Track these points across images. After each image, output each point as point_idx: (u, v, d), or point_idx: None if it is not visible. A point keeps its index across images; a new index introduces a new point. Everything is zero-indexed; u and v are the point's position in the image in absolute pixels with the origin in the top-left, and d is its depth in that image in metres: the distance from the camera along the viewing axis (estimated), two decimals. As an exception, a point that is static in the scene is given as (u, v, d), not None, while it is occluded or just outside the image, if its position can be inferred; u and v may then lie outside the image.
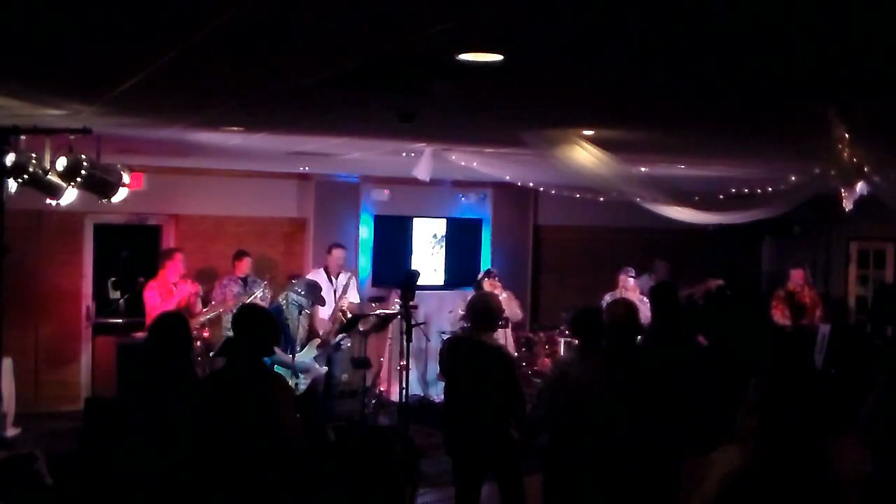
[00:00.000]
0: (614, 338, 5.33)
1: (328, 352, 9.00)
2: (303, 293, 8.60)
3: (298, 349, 8.62)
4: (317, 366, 8.72)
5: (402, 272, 9.60)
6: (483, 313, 5.77)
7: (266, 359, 8.09)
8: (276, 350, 8.07)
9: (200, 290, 9.25)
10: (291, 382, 7.77)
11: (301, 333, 8.76)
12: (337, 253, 9.57)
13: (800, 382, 3.34)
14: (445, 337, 9.58)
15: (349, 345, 9.64)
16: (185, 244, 10.12)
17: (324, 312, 9.26)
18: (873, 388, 4.90)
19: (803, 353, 10.34)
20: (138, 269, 9.78)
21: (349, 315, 9.36)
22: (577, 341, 5.87)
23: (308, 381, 8.58)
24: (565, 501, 5.28)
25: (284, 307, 8.66)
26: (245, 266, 9.64)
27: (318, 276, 9.42)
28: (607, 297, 9.87)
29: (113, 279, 9.96)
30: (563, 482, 5.27)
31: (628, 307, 5.45)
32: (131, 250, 10.47)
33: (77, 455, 6.34)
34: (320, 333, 9.06)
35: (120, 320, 9.71)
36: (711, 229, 10.89)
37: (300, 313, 8.60)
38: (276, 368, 8.03)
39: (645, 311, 9.87)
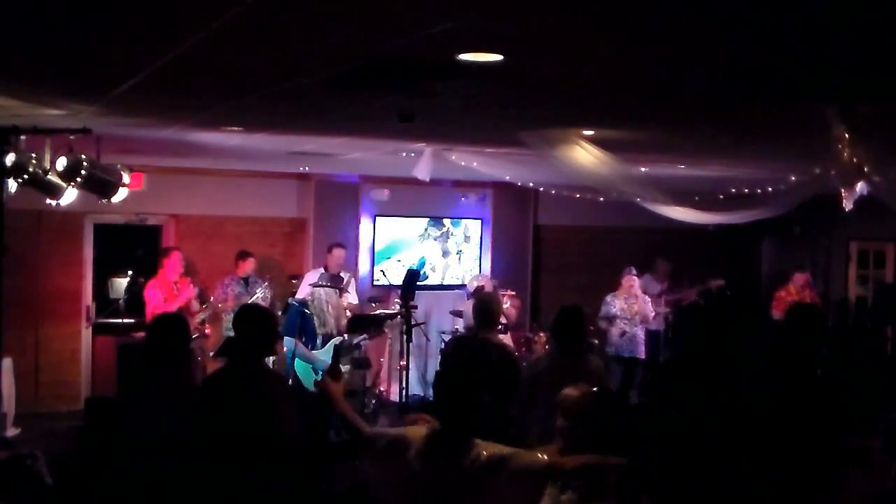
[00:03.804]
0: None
1: (345, 352, 9.01)
2: (328, 284, 8.79)
3: (319, 346, 8.68)
4: None
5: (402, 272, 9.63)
6: (486, 312, 5.82)
7: (288, 353, 8.16)
8: (299, 344, 8.13)
9: (198, 291, 9.31)
10: (311, 379, 7.84)
11: (322, 331, 8.83)
12: (338, 252, 9.57)
13: None
14: (446, 337, 9.61)
15: (367, 343, 9.67)
16: (185, 244, 10.13)
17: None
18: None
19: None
20: (138, 268, 9.79)
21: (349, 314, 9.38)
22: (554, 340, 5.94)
23: None
24: None
25: (310, 301, 8.73)
26: (248, 266, 9.66)
27: (318, 275, 9.43)
28: (608, 298, 9.96)
29: (127, 279, 9.93)
30: None
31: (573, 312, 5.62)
32: (131, 250, 10.48)
33: (77, 455, 6.34)
34: (342, 323, 9.14)
35: (120, 320, 9.72)
36: (711, 229, 10.90)
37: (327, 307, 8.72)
38: (297, 363, 8.06)
39: (647, 309, 9.98)
